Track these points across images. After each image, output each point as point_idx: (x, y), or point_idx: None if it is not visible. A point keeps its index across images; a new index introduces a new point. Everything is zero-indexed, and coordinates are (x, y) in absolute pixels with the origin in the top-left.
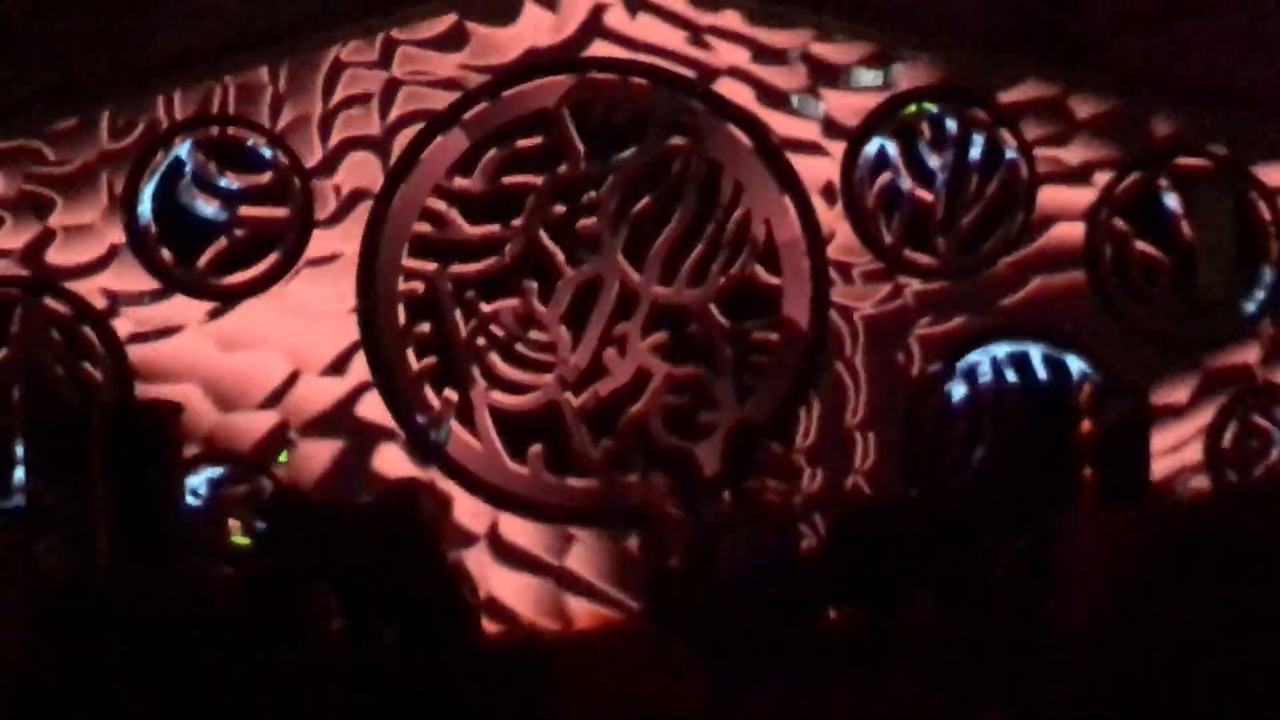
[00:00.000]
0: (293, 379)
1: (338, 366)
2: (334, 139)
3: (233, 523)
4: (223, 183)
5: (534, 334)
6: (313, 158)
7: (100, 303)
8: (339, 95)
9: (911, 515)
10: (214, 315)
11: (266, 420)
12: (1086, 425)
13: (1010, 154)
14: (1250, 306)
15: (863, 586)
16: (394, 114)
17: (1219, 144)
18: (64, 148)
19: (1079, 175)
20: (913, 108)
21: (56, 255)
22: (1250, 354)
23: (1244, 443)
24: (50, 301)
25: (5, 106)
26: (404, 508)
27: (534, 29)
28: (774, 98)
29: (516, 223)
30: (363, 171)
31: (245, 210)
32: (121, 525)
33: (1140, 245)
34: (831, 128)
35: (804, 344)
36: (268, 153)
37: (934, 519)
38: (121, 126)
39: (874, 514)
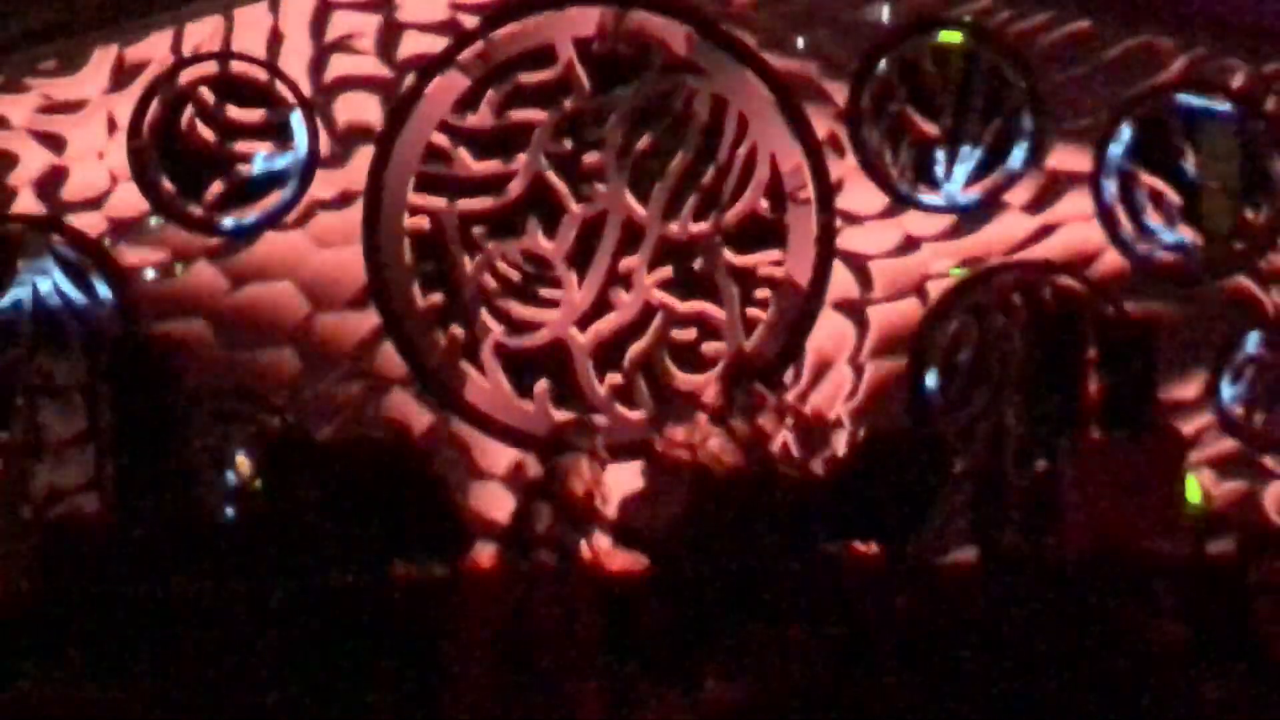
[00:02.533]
0: (304, 316)
1: (348, 305)
2: (333, 77)
3: (239, 459)
4: (227, 119)
5: (539, 270)
6: (315, 95)
7: (106, 238)
8: (334, 35)
9: (919, 450)
10: (222, 252)
11: (274, 357)
12: (1093, 355)
13: (1017, 88)
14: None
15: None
16: (394, 52)
17: (1226, 79)
18: (67, 84)
19: (1087, 110)
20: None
21: (61, 191)
22: (1253, 286)
23: (1250, 374)
24: (56, 237)
25: (6, 42)
26: (399, 440)
27: None
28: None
29: (522, 159)
30: (365, 110)
31: (251, 146)
32: (127, 461)
33: (1147, 179)
34: (836, 63)
35: (808, 279)
36: (272, 91)
37: (941, 454)
38: (125, 62)
39: (882, 448)
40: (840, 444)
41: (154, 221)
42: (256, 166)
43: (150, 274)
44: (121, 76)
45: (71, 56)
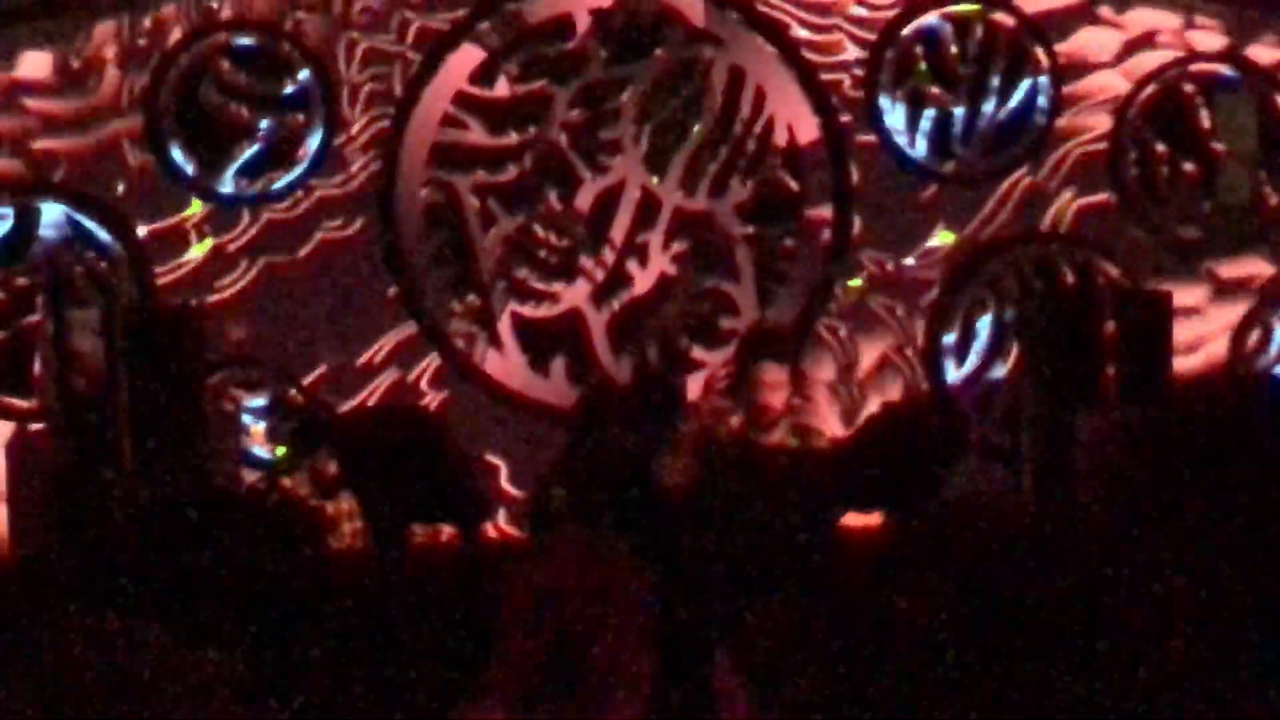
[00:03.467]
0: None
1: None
2: (353, 46)
3: (255, 428)
4: (246, 88)
5: (555, 243)
6: (334, 64)
7: (123, 207)
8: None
9: (934, 420)
10: (239, 221)
11: (292, 328)
12: (1110, 328)
13: (1035, 59)
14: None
15: (883, 491)
16: (411, 23)
17: (1244, 49)
18: (82, 50)
19: (1104, 80)
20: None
21: (78, 159)
22: (1270, 261)
23: (1266, 348)
24: (72, 206)
25: (19, 8)
26: (417, 412)
27: None
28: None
29: (538, 130)
30: (383, 80)
31: (268, 116)
32: (143, 429)
33: (1164, 151)
34: (854, 34)
35: (826, 248)
36: (291, 59)
37: (956, 425)
38: (142, 28)
39: (897, 419)
40: (856, 415)
41: (171, 191)
42: (272, 135)
43: (168, 243)
44: (136, 42)
45: (85, 22)
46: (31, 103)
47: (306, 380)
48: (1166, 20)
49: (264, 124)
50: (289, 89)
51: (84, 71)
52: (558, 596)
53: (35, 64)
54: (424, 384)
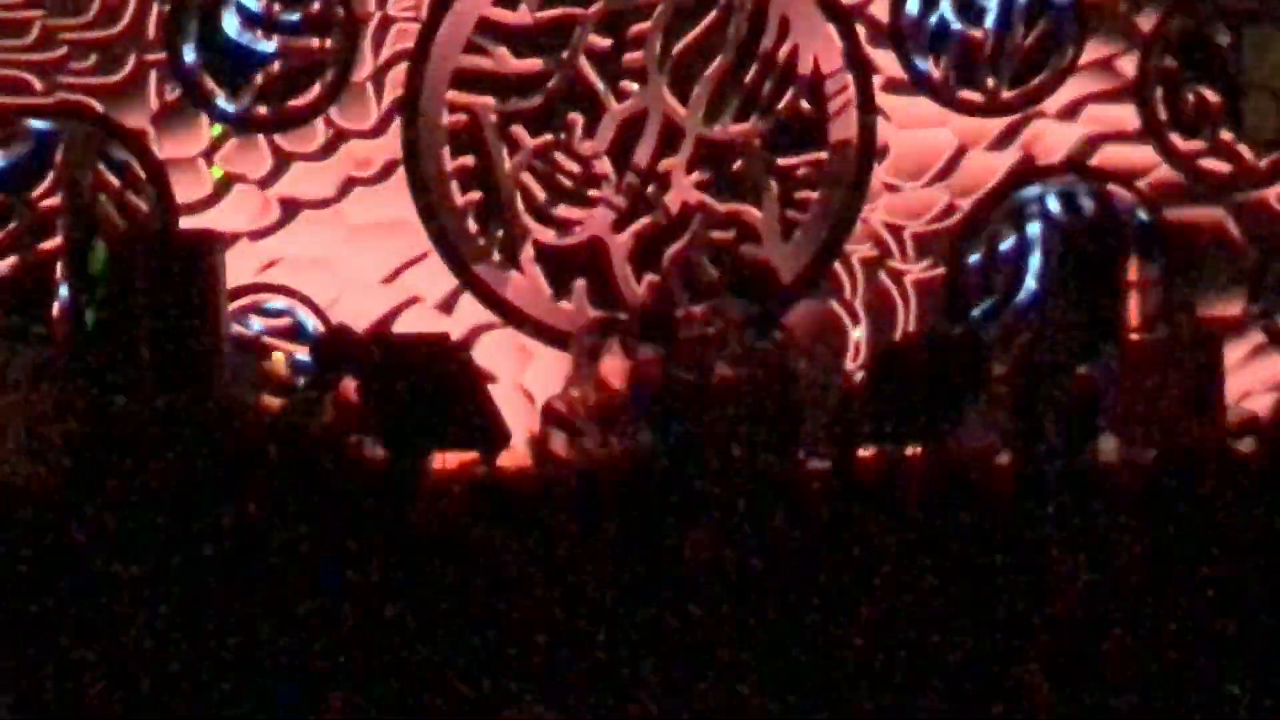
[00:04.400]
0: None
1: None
2: None
3: (276, 355)
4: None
5: (578, 168)
6: None
7: (145, 135)
8: None
9: (956, 351)
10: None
11: (313, 253)
12: (1133, 261)
13: None
14: None
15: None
16: None
17: None
18: None
19: (1130, 13)
20: None
21: (98, 86)
22: None
23: None
24: (93, 131)
25: None
26: (438, 338)
27: None
28: None
29: (562, 57)
30: (405, 6)
31: (291, 41)
32: (164, 354)
33: (1191, 84)
34: None
35: (849, 182)
36: None
37: (977, 355)
38: None
39: (918, 350)
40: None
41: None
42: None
43: (190, 169)
44: None
45: None
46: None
47: (328, 307)
48: None
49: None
50: (310, 12)
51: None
52: None
53: None
54: (446, 310)
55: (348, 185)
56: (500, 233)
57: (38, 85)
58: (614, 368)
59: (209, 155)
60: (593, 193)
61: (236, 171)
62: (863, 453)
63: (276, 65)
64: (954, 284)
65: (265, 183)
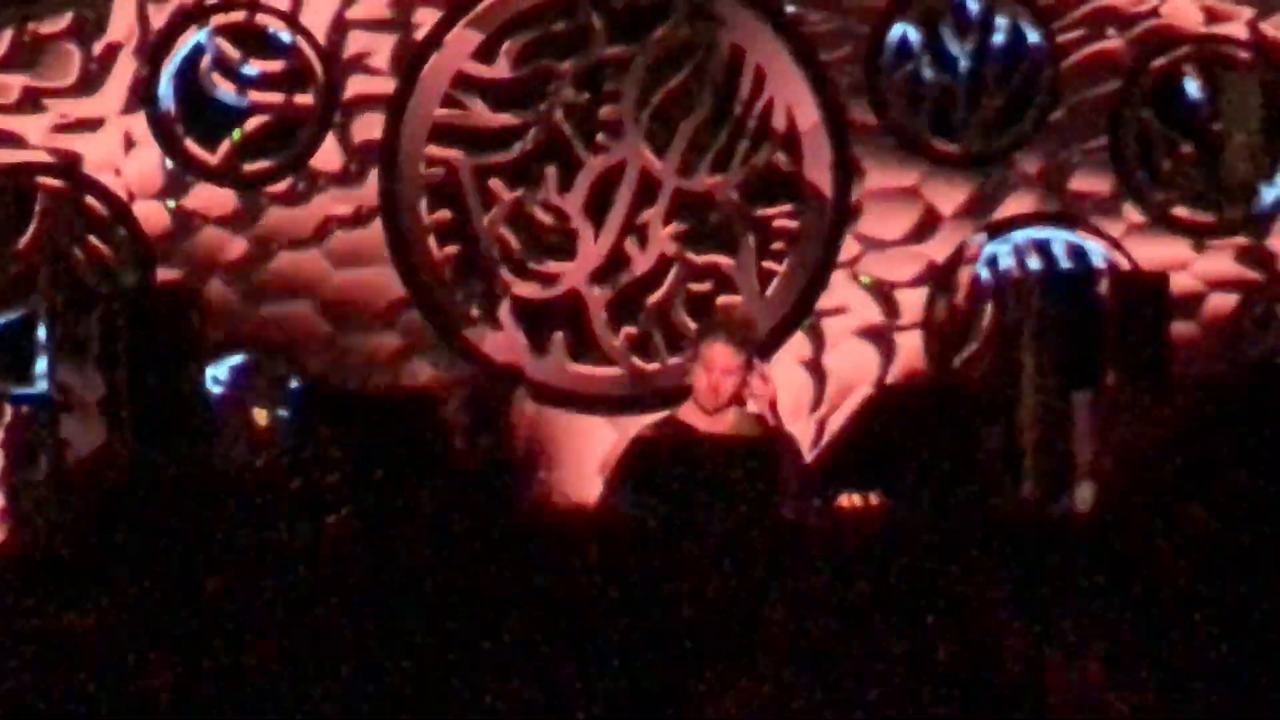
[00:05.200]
0: (322, 267)
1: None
2: (351, 25)
3: (258, 410)
4: (244, 70)
5: (555, 223)
6: (332, 44)
7: (121, 188)
8: None
9: (934, 399)
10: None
11: (294, 309)
12: (1108, 310)
13: (1034, 39)
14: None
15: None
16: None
17: (1248, 27)
18: (79, 32)
19: (1104, 61)
20: None
21: (74, 140)
22: (1275, 241)
23: (1265, 331)
24: (71, 186)
25: None
26: (426, 399)
27: None
28: None
29: (539, 109)
30: (383, 60)
31: (264, 97)
32: (144, 410)
33: (1164, 131)
34: (856, 15)
35: (826, 228)
36: (288, 39)
37: (956, 403)
38: (143, 13)
39: (897, 398)
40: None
41: (170, 171)
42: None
43: (169, 226)
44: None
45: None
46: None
47: (309, 362)
48: None
49: (270, 105)
50: (289, 69)
51: (102, 61)
52: None
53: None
54: (426, 365)
55: (330, 238)
56: (479, 286)
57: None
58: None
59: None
60: (570, 246)
61: (218, 225)
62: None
63: (254, 120)
64: (934, 333)
65: (244, 233)
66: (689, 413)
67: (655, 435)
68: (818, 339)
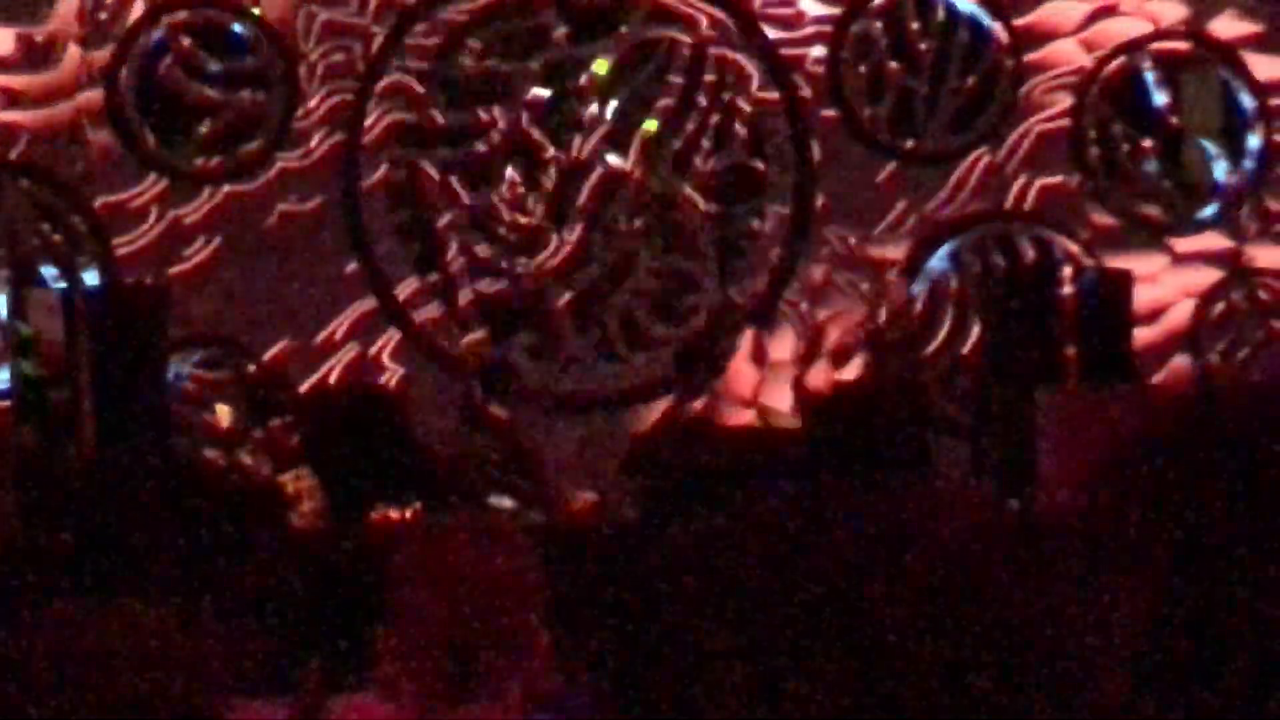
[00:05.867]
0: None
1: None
2: (315, 25)
3: (220, 407)
4: (206, 65)
5: (518, 221)
6: (294, 39)
7: (84, 187)
8: None
9: (889, 400)
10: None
11: (254, 306)
12: (1070, 306)
13: (996, 37)
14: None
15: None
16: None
17: (1207, 27)
18: (38, 27)
19: (1065, 58)
20: None
21: (38, 136)
22: (1233, 237)
23: (1227, 325)
24: (33, 185)
25: None
26: (376, 388)
27: None
28: None
29: (502, 108)
30: (345, 57)
31: (229, 94)
32: (106, 408)
33: (1126, 129)
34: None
35: (788, 231)
36: (250, 36)
37: (913, 403)
38: (104, 4)
39: (851, 399)
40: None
41: (131, 168)
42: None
43: (130, 222)
44: (98, 18)
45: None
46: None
47: (267, 356)
48: None
49: (232, 102)
50: (251, 66)
51: (46, 47)
52: (448, 583)
53: None
54: (385, 360)
55: (289, 232)
56: (439, 283)
57: None
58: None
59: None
60: (532, 244)
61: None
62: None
63: (217, 117)
64: (893, 330)
65: (204, 227)
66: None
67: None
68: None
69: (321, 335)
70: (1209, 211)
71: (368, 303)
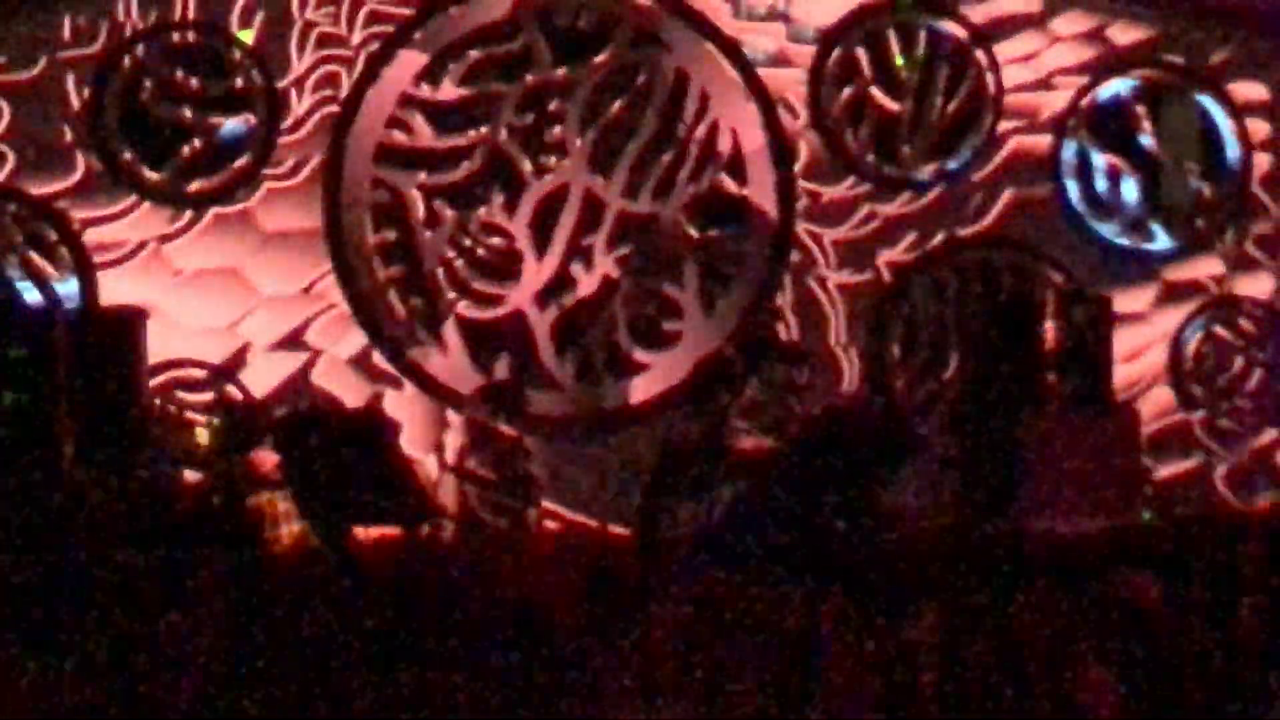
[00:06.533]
0: (263, 287)
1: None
2: (298, 49)
3: (199, 429)
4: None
5: (500, 244)
6: (278, 66)
7: (65, 210)
8: (298, 6)
9: (878, 421)
10: (182, 227)
11: (232, 331)
12: (1051, 333)
13: (979, 66)
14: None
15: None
16: (358, 27)
17: (1186, 58)
18: (22, 53)
19: (1047, 89)
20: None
21: (16, 162)
22: (1212, 266)
23: (1206, 353)
24: (13, 208)
25: None
26: (364, 412)
27: None
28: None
29: (483, 132)
30: (328, 82)
31: (210, 117)
32: (86, 430)
33: (1106, 157)
34: (799, 37)
35: (769, 253)
36: (233, 61)
37: (899, 425)
38: (82, 29)
39: (842, 420)
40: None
41: (114, 192)
42: (218, 134)
43: (110, 245)
44: (78, 46)
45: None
46: None
47: (247, 379)
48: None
49: (213, 125)
50: (233, 89)
51: (39, 77)
52: None
53: None
54: (367, 382)
55: (273, 251)
56: (422, 306)
57: None
58: None
59: (131, 231)
60: (514, 268)
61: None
62: None
63: (199, 139)
64: (877, 353)
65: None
66: None
67: None
68: None
69: (305, 356)
70: (1187, 240)
71: (351, 325)
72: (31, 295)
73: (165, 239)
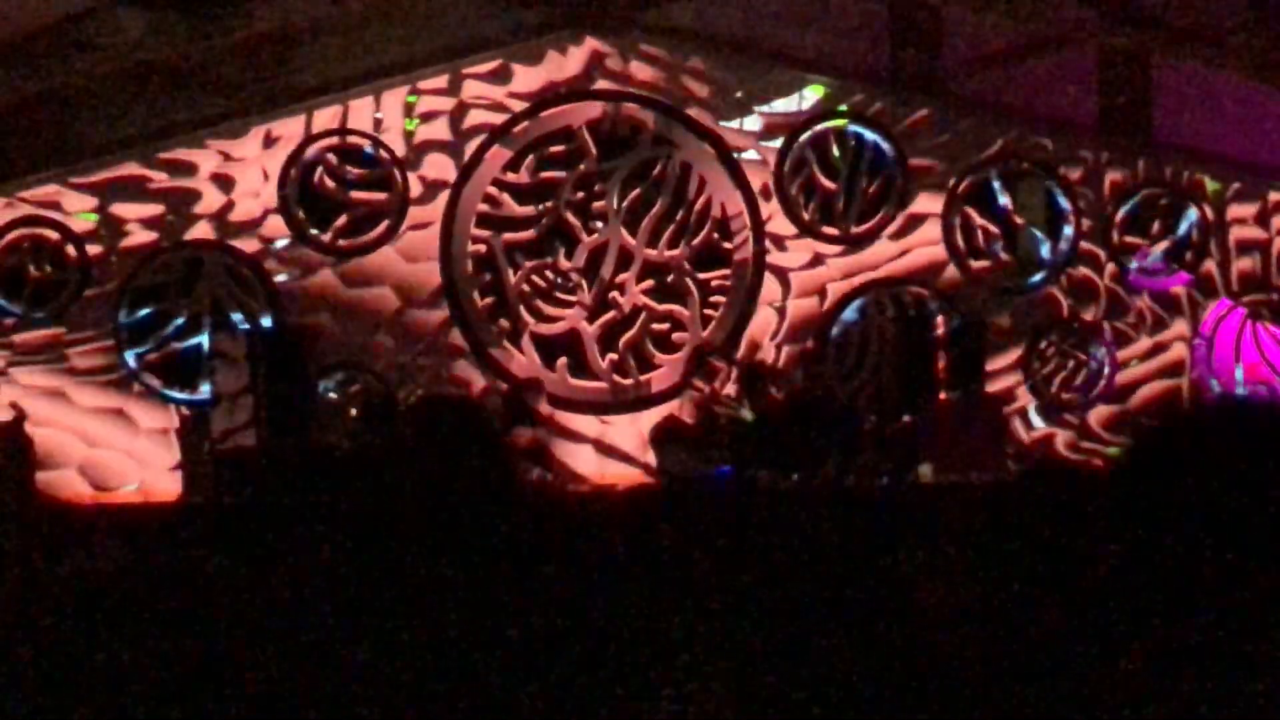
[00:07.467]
0: (396, 310)
1: (428, 303)
2: (419, 144)
3: (349, 410)
4: (345, 174)
5: (561, 282)
6: (407, 156)
7: (260, 256)
8: (420, 112)
9: (822, 405)
10: (341, 266)
11: (375, 339)
12: (940, 346)
13: (890, 158)
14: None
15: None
16: (463, 126)
17: (1034, 153)
18: (233, 151)
19: (940, 174)
20: (834, 122)
21: (232, 223)
22: (1058, 297)
23: (1056, 362)
24: (227, 257)
25: (193, 123)
26: (462, 398)
27: (558, 68)
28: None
29: (549, 205)
30: (442, 168)
31: (362, 194)
32: (276, 413)
33: (981, 222)
34: (766, 139)
35: (747, 288)
36: (377, 154)
37: (837, 408)
38: (272, 137)
39: (796, 403)
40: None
41: (284, 243)
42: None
43: (289, 280)
44: (271, 145)
45: (235, 132)
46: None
47: (380, 371)
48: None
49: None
50: (378, 174)
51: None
52: None
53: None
54: (469, 378)
55: (404, 295)
56: (507, 326)
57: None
58: None
59: (304, 272)
60: (571, 298)
61: (323, 280)
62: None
63: (353, 210)
64: (818, 357)
65: (344, 289)
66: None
67: None
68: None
69: (423, 361)
70: (1037, 278)
71: (457, 338)
72: (239, 316)
73: (328, 278)
